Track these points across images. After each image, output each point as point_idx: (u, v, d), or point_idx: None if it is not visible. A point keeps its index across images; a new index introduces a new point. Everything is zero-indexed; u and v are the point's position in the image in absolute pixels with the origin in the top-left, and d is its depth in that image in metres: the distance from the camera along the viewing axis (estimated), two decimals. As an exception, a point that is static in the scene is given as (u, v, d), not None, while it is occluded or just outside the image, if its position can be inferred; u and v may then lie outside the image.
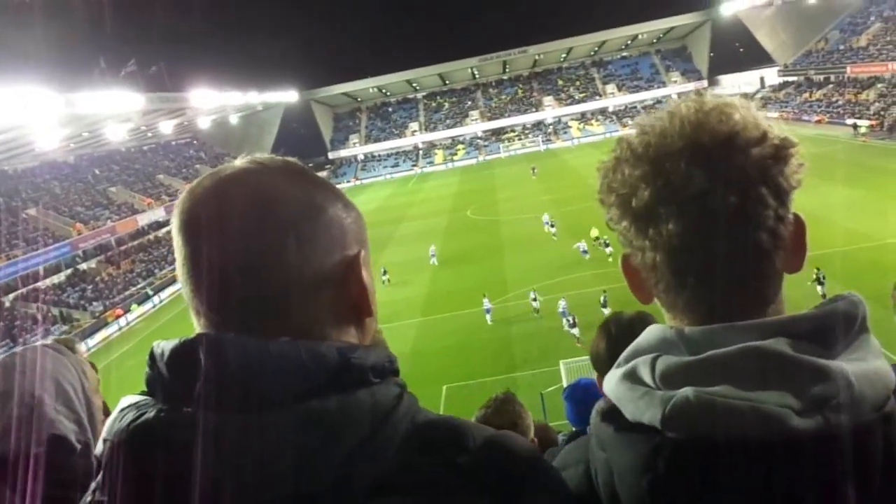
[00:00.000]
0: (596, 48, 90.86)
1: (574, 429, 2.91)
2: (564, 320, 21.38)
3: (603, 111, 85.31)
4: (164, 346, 0.72)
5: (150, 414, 0.68)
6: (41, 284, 39.39)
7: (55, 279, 40.27)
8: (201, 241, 0.74)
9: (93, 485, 0.73)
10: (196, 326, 0.76)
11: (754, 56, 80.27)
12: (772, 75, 74.78)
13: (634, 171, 0.80)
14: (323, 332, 0.75)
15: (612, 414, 0.80)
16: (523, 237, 35.18)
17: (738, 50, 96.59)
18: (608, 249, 26.52)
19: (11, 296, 37.46)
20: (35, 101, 35.05)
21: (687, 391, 0.71)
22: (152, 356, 0.72)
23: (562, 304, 22.14)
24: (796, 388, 0.69)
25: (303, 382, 0.67)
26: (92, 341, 33.82)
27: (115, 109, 45.62)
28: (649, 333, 0.84)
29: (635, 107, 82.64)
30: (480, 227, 40.45)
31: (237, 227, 0.73)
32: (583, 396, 2.89)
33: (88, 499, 0.73)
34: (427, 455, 0.68)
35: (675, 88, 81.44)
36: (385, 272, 30.48)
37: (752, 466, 0.67)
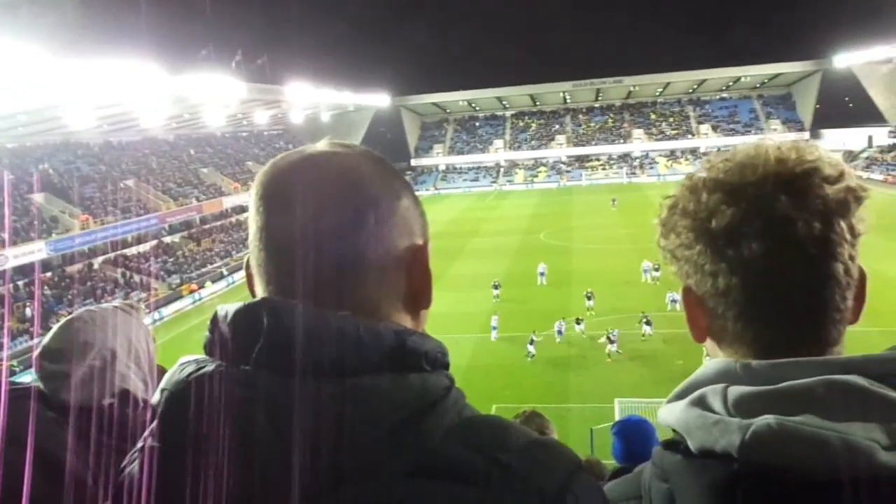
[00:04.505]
0: (695, 86, 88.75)
1: (619, 466, 2.84)
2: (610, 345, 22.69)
3: (694, 151, 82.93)
4: (228, 308, 0.74)
5: (209, 368, 0.71)
6: (128, 252, 41.58)
7: (140, 248, 42.39)
8: (284, 208, 0.75)
9: (146, 432, 0.75)
10: (262, 293, 0.78)
11: (864, 113, 76.40)
12: (881, 135, 70.85)
13: (714, 194, 0.81)
14: (382, 313, 0.76)
15: (676, 443, 0.78)
16: (594, 267, 34.65)
17: (846, 105, 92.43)
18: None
19: (101, 258, 39.68)
20: (146, 77, 37.07)
21: (768, 419, 0.69)
22: (214, 319, 0.75)
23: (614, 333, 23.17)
24: (882, 423, 0.68)
25: (357, 357, 0.68)
26: (166, 311, 35.38)
27: (217, 95, 47.77)
28: (708, 367, 0.82)
29: (728, 150, 79.47)
30: (552, 251, 40.06)
31: (322, 199, 0.74)
32: (632, 434, 2.83)
33: (141, 444, 0.74)
34: (470, 448, 0.67)
35: (774, 137, 78.34)
36: (497, 286, 30.99)
37: (836, 499, 0.65)
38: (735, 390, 0.75)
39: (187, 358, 0.76)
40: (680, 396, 0.81)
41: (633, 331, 23.89)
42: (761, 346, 0.81)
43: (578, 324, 24.23)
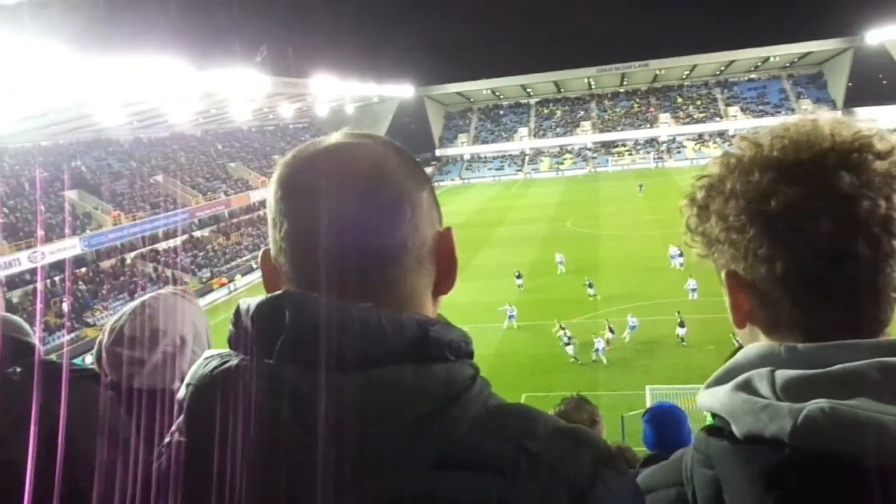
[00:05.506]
0: (722, 67, 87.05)
1: (650, 453, 2.83)
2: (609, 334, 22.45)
3: (722, 134, 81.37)
4: (251, 301, 0.73)
5: (234, 362, 0.71)
6: (159, 246, 42.29)
7: (171, 243, 43.05)
8: (315, 202, 0.73)
9: (173, 426, 0.75)
10: (290, 287, 0.76)
11: (899, 90, 74.39)
12: (917, 112, 69.01)
13: (767, 173, 0.77)
14: (406, 302, 0.75)
15: (720, 428, 0.76)
16: (621, 254, 34.36)
17: (880, 82, 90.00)
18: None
19: (133, 253, 40.43)
20: (173, 73, 37.46)
21: (820, 403, 0.66)
22: (237, 312, 0.74)
23: (631, 320, 22.82)
24: None
25: (380, 349, 0.67)
26: (202, 301, 36.00)
27: (243, 90, 48.11)
28: (749, 350, 0.79)
29: (758, 132, 78.07)
30: (579, 239, 39.81)
31: (356, 192, 0.73)
32: (663, 421, 2.81)
33: (168, 439, 0.74)
34: (496, 437, 0.66)
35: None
36: (520, 275, 30.79)
37: (893, 486, 0.62)
38: (783, 374, 0.72)
39: (212, 352, 0.75)
40: (721, 381, 0.78)
41: (660, 318, 23.65)
42: (817, 329, 0.77)
43: (566, 334, 22.44)
